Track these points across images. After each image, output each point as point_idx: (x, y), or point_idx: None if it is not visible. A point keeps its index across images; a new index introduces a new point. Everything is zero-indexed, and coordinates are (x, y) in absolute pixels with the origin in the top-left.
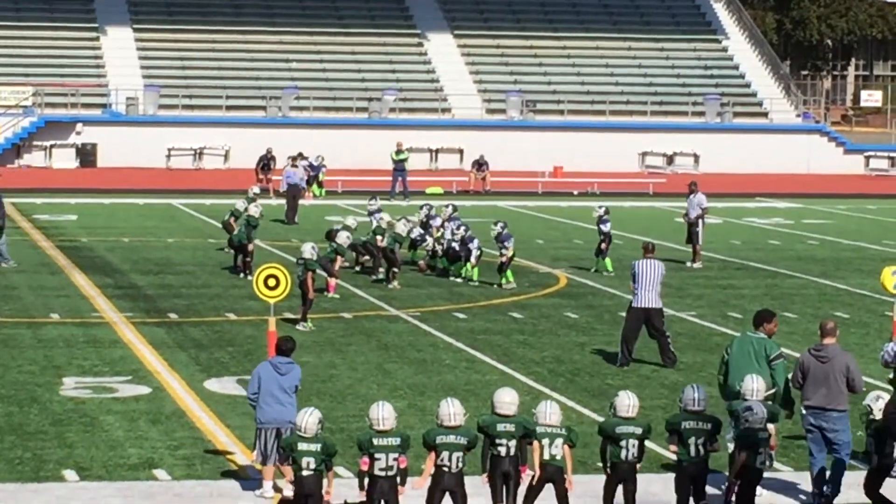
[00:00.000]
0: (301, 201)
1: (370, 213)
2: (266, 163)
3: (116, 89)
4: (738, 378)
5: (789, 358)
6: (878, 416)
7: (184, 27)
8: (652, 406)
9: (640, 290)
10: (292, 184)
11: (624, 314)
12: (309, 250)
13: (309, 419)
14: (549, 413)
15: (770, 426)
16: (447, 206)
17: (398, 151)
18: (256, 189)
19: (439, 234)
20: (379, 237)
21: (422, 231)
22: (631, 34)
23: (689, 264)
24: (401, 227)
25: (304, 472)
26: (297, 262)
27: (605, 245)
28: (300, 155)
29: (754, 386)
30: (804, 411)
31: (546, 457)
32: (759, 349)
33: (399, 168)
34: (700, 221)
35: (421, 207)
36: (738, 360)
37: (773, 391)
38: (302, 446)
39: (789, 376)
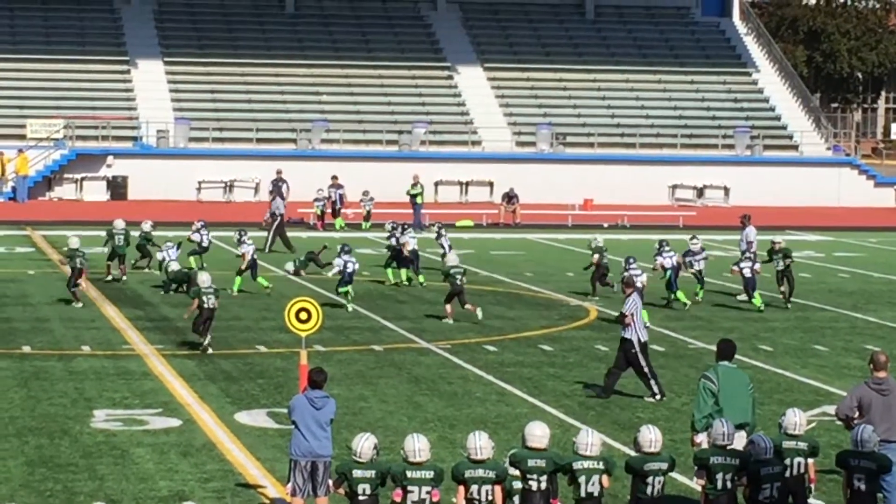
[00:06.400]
0: (312, 233)
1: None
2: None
3: (147, 122)
4: (732, 411)
5: (809, 388)
6: None
7: (214, 60)
8: (682, 439)
9: (638, 322)
10: (272, 212)
11: (656, 347)
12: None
13: (364, 444)
14: (590, 444)
15: (810, 460)
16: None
17: (413, 185)
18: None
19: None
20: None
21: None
22: (661, 67)
23: (738, 297)
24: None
25: (360, 498)
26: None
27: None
28: (334, 178)
29: (797, 420)
30: None
31: (583, 494)
32: (745, 380)
33: (414, 202)
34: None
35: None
36: (734, 393)
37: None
38: (357, 473)
39: (829, 409)
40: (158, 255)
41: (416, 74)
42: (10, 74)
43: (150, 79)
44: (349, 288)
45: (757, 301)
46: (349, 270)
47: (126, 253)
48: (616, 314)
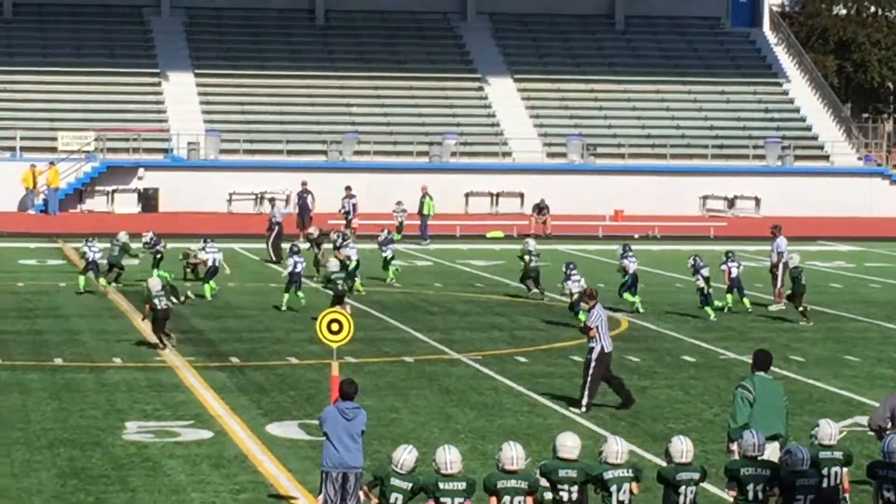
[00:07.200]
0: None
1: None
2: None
3: (178, 134)
4: (767, 422)
5: (841, 398)
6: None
7: (244, 72)
8: (714, 450)
9: (604, 334)
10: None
11: (688, 358)
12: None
13: (407, 457)
14: (619, 452)
15: (844, 470)
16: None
17: (424, 195)
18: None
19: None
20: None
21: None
22: (691, 77)
23: (769, 307)
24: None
25: None
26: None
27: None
28: (347, 189)
29: (831, 431)
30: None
31: (614, 502)
32: (780, 391)
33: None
34: (780, 265)
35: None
36: (769, 404)
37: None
38: (394, 481)
39: (862, 420)
40: (86, 253)
41: (446, 85)
42: (40, 87)
43: (180, 91)
44: (301, 293)
45: (741, 301)
46: (297, 271)
47: (118, 263)
48: (590, 323)
